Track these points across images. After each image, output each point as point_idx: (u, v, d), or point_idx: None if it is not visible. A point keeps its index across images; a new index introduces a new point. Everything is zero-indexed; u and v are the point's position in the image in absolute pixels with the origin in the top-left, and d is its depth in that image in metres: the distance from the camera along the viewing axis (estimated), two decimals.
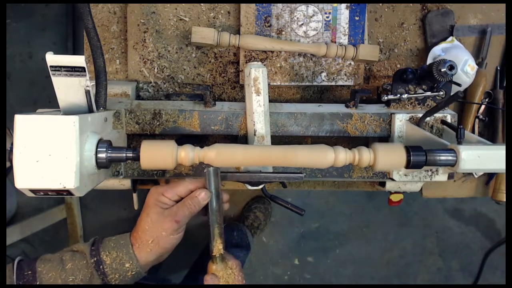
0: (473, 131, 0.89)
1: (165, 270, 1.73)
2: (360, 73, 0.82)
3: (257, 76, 0.68)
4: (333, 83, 0.82)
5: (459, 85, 0.72)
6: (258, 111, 0.68)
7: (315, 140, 0.82)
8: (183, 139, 0.75)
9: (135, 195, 0.90)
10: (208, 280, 0.60)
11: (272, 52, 0.80)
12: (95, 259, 0.58)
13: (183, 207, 0.60)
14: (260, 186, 0.70)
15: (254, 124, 0.69)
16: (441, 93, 0.73)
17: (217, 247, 0.61)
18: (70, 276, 0.56)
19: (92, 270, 0.57)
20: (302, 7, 0.79)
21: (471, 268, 1.98)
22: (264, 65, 0.80)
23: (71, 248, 0.60)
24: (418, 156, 0.57)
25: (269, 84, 0.81)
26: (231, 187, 0.91)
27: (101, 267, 0.57)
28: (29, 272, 0.56)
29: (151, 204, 0.60)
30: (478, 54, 0.88)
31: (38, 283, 0.55)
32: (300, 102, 0.84)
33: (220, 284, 0.60)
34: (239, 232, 1.63)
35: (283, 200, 0.71)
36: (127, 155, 0.57)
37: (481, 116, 0.88)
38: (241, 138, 0.74)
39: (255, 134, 0.69)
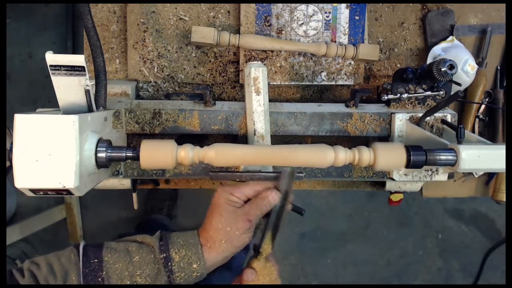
0: (473, 131, 0.89)
1: None
2: (360, 72, 0.82)
3: (257, 75, 0.68)
4: (333, 83, 0.82)
5: (459, 84, 0.72)
6: (258, 111, 0.68)
7: (315, 139, 0.82)
8: (183, 138, 0.75)
9: (135, 195, 0.90)
10: (248, 273, 0.58)
11: (272, 51, 0.79)
12: (164, 255, 0.56)
13: (255, 206, 0.58)
14: None
15: (254, 124, 0.69)
16: (441, 92, 0.73)
17: (267, 248, 0.60)
18: (137, 269, 0.54)
19: (160, 266, 0.55)
20: (302, 6, 0.79)
21: (471, 268, 1.98)
22: (264, 64, 0.80)
23: (135, 238, 0.58)
24: (418, 155, 0.57)
25: (269, 84, 0.81)
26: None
27: (169, 264, 0.55)
28: (95, 260, 0.54)
29: (222, 204, 0.58)
30: (478, 54, 0.88)
31: (104, 273, 0.53)
32: (300, 102, 0.84)
33: (255, 284, 0.59)
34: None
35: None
36: (127, 154, 0.57)
37: (481, 116, 0.88)
38: (241, 138, 0.74)
39: (255, 134, 0.69)
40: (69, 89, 0.54)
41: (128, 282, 0.54)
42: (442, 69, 0.67)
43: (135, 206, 0.92)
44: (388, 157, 0.57)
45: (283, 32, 0.79)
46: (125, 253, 0.56)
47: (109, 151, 0.56)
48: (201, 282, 0.60)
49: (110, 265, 0.54)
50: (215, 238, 0.57)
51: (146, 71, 0.81)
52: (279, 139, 0.80)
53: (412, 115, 0.71)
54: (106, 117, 0.63)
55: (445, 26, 0.86)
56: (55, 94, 0.55)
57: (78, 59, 0.52)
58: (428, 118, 0.71)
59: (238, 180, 0.65)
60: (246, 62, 0.79)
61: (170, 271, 0.56)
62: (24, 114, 0.50)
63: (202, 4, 0.80)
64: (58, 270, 0.53)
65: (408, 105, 0.74)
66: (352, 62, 0.81)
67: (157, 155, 0.55)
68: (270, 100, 0.71)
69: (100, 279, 0.53)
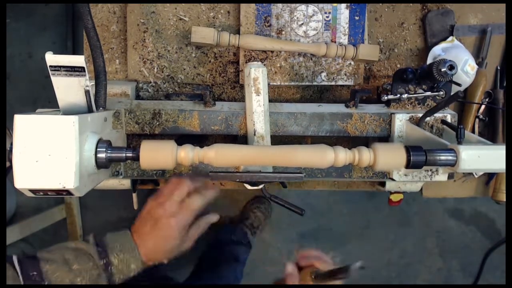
0: (473, 131, 0.89)
1: (166, 267, 1.73)
2: (360, 73, 0.82)
3: (257, 76, 0.68)
4: (333, 83, 0.82)
5: (459, 85, 0.72)
6: (258, 111, 0.68)
7: (315, 140, 0.82)
8: (182, 139, 0.75)
9: (134, 195, 0.90)
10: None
11: (272, 52, 0.79)
12: (104, 261, 0.58)
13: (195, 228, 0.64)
14: (260, 186, 0.70)
15: (254, 124, 0.69)
16: (441, 93, 0.73)
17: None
18: (78, 276, 0.56)
19: (100, 271, 0.57)
20: (302, 7, 0.79)
21: (471, 268, 1.98)
22: (264, 65, 0.80)
23: (68, 245, 0.60)
24: (418, 156, 0.57)
25: (269, 84, 0.81)
26: (230, 187, 0.91)
27: (109, 268, 0.58)
28: (35, 273, 0.55)
29: (161, 218, 0.62)
30: (478, 54, 0.88)
31: (46, 282, 0.55)
32: (300, 102, 0.84)
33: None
34: (239, 231, 1.63)
35: (283, 200, 0.71)
36: (127, 155, 0.57)
37: (481, 116, 0.88)
38: (241, 138, 0.74)
39: (255, 134, 0.69)
40: (69, 89, 0.54)
41: None
42: (442, 70, 0.67)
43: (135, 206, 0.92)
44: (388, 158, 0.57)
45: (283, 32, 0.79)
46: (62, 262, 0.57)
47: (109, 151, 0.56)
48: (209, 276, 0.61)
49: (50, 275, 0.56)
50: (149, 244, 0.61)
51: (146, 71, 0.81)
52: (279, 139, 0.80)
53: (412, 116, 0.71)
54: (106, 117, 0.63)
55: (445, 26, 0.86)
56: (55, 95, 0.55)
57: (78, 60, 0.52)
58: (428, 118, 0.71)
59: (238, 180, 0.65)
60: (246, 62, 0.79)
61: (110, 274, 0.58)
62: (24, 114, 0.50)
63: (202, 4, 0.80)
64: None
65: (408, 106, 0.74)
66: (352, 63, 0.81)
67: (157, 155, 0.55)
68: (270, 101, 0.71)
69: None
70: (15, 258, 0.57)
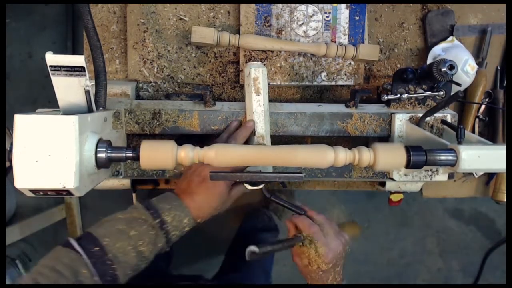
0: (473, 131, 0.89)
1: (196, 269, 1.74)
2: (360, 73, 0.82)
3: (257, 76, 0.68)
4: (333, 83, 0.82)
5: (459, 85, 0.72)
6: (258, 111, 0.68)
7: (315, 140, 0.82)
8: (182, 139, 0.75)
9: (134, 195, 0.90)
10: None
11: (272, 52, 0.79)
12: (159, 219, 0.60)
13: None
14: (260, 186, 0.70)
15: (254, 124, 0.69)
16: (441, 93, 0.73)
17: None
18: (138, 241, 0.58)
19: (157, 230, 0.60)
20: (302, 6, 0.79)
21: (471, 268, 1.98)
22: (264, 65, 0.80)
23: (117, 216, 0.61)
24: (418, 156, 0.57)
25: (269, 84, 0.81)
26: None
27: (164, 226, 0.60)
28: (97, 248, 0.56)
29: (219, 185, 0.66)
30: (478, 54, 0.88)
31: (110, 255, 0.56)
32: (300, 102, 0.84)
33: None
34: (264, 217, 1.62)
35: (283, 200, 0.71)
36: (127, 155, 0.57)
37: (481, 116, 0.88)
38: None
39: (254, 134, 0.69)
40: (69, 89, 0.54)
41: (134, 254, 0.57)
42: (442, 70, 0.67)
43: None
44: (388, 158, 0.57)
45: (283, 32, 0.79)
46: (119, 233, 0.58)
47: (109, 151, 0.56)
48: (223, 281, 0.62)
49: (111, 247, 0.56)
50: (197, 199, 0.64)
51: (146, 71, 0.81)
52: (279, 139, 0.80)
53: (412, 115, 0.71)
54: (106, 117, 0.63)
55: (445, 26, 0.86)
56: (55, 95, 0.55)
57: (78, 60, 0.52)
58: (428, 118, 0.71)
59: (238, 180, 0.65)
60: (246, 62, 0.79)
61: (166, 232, 0.60)
62: (24, 114, 0.50)
63: (202, 4, 0.80)
64: (64, 270, 0.53)
65: (408, 105, 0.74)
66: (352, 62, 0.81)
67: (157, 155, 0.55)
68: (270, 100, 0.71)
69: (109, 261, 0.55)
70: (73, 241, 0.56)
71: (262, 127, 0.69)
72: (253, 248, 0.60)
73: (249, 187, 0.69)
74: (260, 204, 1.83)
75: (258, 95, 0.68)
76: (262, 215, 1.64)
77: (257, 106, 0.68)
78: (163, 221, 0.60)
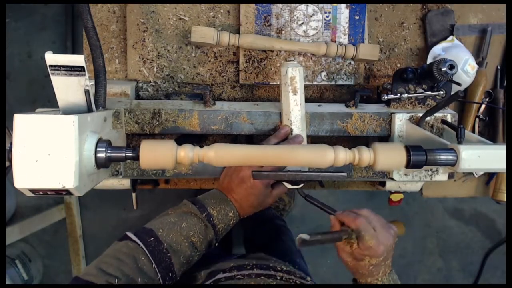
0: (473, 131, 0.89)
1: None
2: (360, 72, 0.82)
3: (294, 75, 0.68)
4: (333, 83, 0.82)
5: (459, 84, 0.71)
6: (295, 110, 0.69)
7: (315, 139, 0.82)
8: (182, 138, 0.75)
9: (134, 195, 0.90)
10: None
11: (272, 51, 0.79)
12: (206, 213, 0.64)
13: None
14: (300, 185, 0.70)
15: (291, 124, 0.69)
16: (441, 92, 0.73)
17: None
18: (190, 231, 0.62)
19: (206, 222, 0.64)
20: (302, 6, 0.79)
21: (471, 268, 1.98)
22: (264, 64, 0.80)
23: (169, 212, 0.66)
24: (418, 155, 0.56)
25: (269, 84, 0.81)
26: None
27: (211, 219, 0.65)
28: (152, 238, 0.60)
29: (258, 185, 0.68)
30: (479, 54, 0.88)
31: (165, 244, 0.60)
32: None
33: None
34: (270, 225, 1.61)
35: (317, 200, 0.71)
36: (127, 154, 0.57)
37: (481, 116, 0.88)
38: (241, 138, 0.74)
39: (291, 133, 0.69)
40: (68, 89, 0.54)
41: (187, 244, 0.62)
42: (442, 69, 0.67)
43: (135, 206, 0.92)
44: (388, 157, 0.57)
45: (283, 32, 0.79)
46: (172, 224, 0.62)
47: (108, 151, 0.56)
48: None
49: (165, 236, 0.61)
50: (238, 197, 0.68)
51: (145, 71, 0.81)
52: None
53: (412, 115, 0.71)
54: (105, 117, 0.63)
55: (445, 26, 0.86)
56: (55, 94, 0.55)
57: (77, 59, 0.51)
58: (428, 118, 0.71)
59: (280, 180, 0.69)
60: (247, 62, 0.79)
61: (213, 225, 0.65)
62: (23, 114, 0.50)
63: (202, 4, 0.80)
64: (125, 257, 0.57)
65: (408, 105, 0.74)
66: (352, 62, 0.81)
67: (157, 155, 0.55)
68: (269, 100, 0.71)
69: (165, 250, 0.60)
70: (129, 233, 0.61)
71: (298, 127, 0.69)
72: (304, 236, 0.58)
73: (289, 186, 0.71)
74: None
75: (295, 94, 0.69)
76: (268, 222, 1.65)
77: (294, 106, 0.69)
78: (210, 214, 0.65)
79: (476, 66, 0.81)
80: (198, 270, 0.72)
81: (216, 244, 0.67)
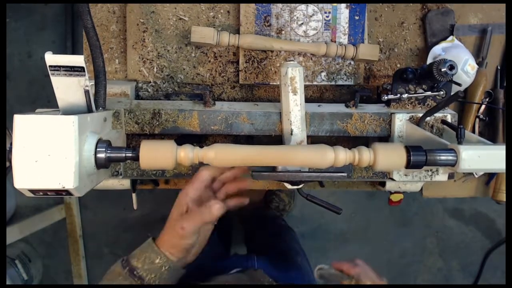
0: (473, 131, 0.89)
1: None
2: (360, 72, 0.82)
3: (294, 75, 0.68)
4: (333, 83, 0.82)
5: (459, 84, 0.71)
6: (294, 110, 0.69)
7: (315, 139, 0.81)
8: (182, 139, 0.75)
9: (134, 195, 0.90)
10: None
11: (272, 51, 0.79)
12: (127, 268, 0.60)
13: (193, 215, 0.60)
14: (300, 186, 0.70)
15: (290, 124, 0.69)
16: (441, 92, 0.73)
17: None
18: None
19: (129, 279, 0.60)
20: (302, 6, 0.79)
21: (471, 268, 1.99)
22: (264, 65, 0.80)
23: (105, 277, 0.63)
24: (418, 156, 0.56)
25: (268, 84, 0.81)
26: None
27: (134, 272, 0.60)
28: None
29: (176, 203, 0.63)
30: (479, 54, 0.88)
31: None
32: None
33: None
34: (271, 220, 1.60)
35: (320, 199, 0.71)
36: (127, 155, 0.57)
37: (481, 116, 0.88)
38: (241, 138, 0.74)
39: (291, 134, 0.69)
40: (68, 89, 0.54)
41: None
42: (442, 69, 0.67)
43: (135, 206, 0.92)
44: (388, 158, 0.57)
45: (283, 32, 0.79)
46: None
47: (108, 151, 0.56)
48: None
49: None
50: (164, 233, 0.62)
51: (145, 71, 0.81)
52: (279, 139, 0.80)
53: (412, 115, 0.71)
54: (105, 117, 0.63)
55: (445, 26, 0.85)
56: (55, 94, 0.54)
57: (77, 60, 0.51)
58: (428, 118, 0.71)
59: (280, 180, 0.67)
60: (246, 62, 0.79)
61: (139, 278, 0.60)
62: (23, 114, 0.50)
63: (201, 4, 0.80)
64: None
65: (408, 105, 0.74)
66: (352, 62, 0.81)
67: (156, 155, 0.55)
68: (269, 101, 0.71)
69: None
70: None
71: (298, 127, 0.69)
72: (321, 265, 0.65)
73: (289, 186, 0.70)
74: (262, 203, 1.83)
75: (295, 94, 0.68)
76: (269, 218, 1.64)
77: (294, 106, 0.68)
78: (132, 268, 0.60)
79: (476, 66, 0.81)
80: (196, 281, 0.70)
81: None
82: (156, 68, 0.81)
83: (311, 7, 0.79)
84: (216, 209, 0.59)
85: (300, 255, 1.15)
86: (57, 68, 0.52)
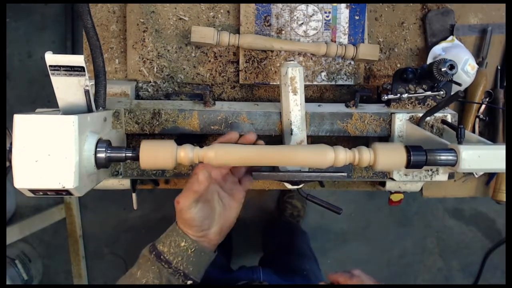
0: (473, 131, 0.89)
1: None
2: (360, 72, 0.82)
3: (294, 75, 0.68)
4: (333, 83, 0.82)
5: (459, 84, 0.71)
6: (295, 110, 0.69)
7: (315, 139, 0.81)
8: (182, 138, 0.75)
9: (134, 195, 0.90)
10: None
11: (272, 51, 0.79)
12: (154, 252, 0.60)
13: (185, 187, 0.59)
14: (301, 186, 0.70)
15: (291, 124, 0.69)
16: (442, 92, 0.73)
17: None
18: (142, 279, 0.59)
19: (157, 263, 0.59)
20: (302, 6, 0.79)
21: (471, 268, 1.99)
22: (264, 65, 0.80)
23: (137, 262, 0.63)
24: (418, 156, 0.56)
25: (268, 84, 0.81)
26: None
27: (161, 257, 0.59)
28: None
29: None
30: (479, 54, 0.88)
31: None
32: None
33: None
34: (285, 232, 1.60)
35: (320, 199, 0.71)
36: (127, 154, 0.57)
37: (481, 116, 0.88)
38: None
39: (291, 133, 0.69)
40: (68, 89, 0.54)
41: None
42: (442, 69, 0.67)
43: (135, 206, 0.92)
44: (388, 157, 0.57)
45: (283, 32, 0.79)
46: (130, 276, 0.60)
47: (108, 151, 0.56)
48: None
49: None
50: (182, 221, 0.61)
51: (145, 71, 0.81)
52: (279, 139, 0.80)
53: (412, 115, 0.71)
54: (105, 117, 0.63)
55: (445, 26, 0.85)
56: (55, 94, 0.54)
57: (77, 59, 0.51)
58: (428, 118, 0.71)
59: (280, 180, 0.67)
60: (247, 62, 0.79)
61: (167, 262, 0.59)
62: (23, 114, 0.50)
63: (201, 4, 0.80)
64: None
65: (408, 105, 0.74)
66: (352, 62, 0.81)
67: (156, 155, 0.55)
68: (269, 101, 0.71)
69: None
70: None
71: (298, 127, 0.69)
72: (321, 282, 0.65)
73: (289, 186, 0.70)
74: (277, 213, 1.84)
75: (295, 94, 0.68)
76: (284, 224, 1.66)
77: (294, 106, 0.69)
78: (159, 252, 0.60)
79: (476, 66, 0.81)
80: None
81: (198, 281, 0.61)
82: (156, 68, 0.81)
83: (311, 7, 0.79)
84: (202, 175, 0.58)
85: (311, 260, 1.16)
86: (57, 68, 0.52)
